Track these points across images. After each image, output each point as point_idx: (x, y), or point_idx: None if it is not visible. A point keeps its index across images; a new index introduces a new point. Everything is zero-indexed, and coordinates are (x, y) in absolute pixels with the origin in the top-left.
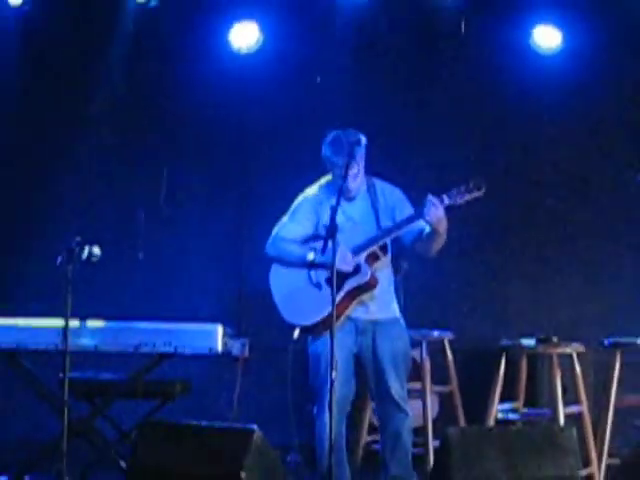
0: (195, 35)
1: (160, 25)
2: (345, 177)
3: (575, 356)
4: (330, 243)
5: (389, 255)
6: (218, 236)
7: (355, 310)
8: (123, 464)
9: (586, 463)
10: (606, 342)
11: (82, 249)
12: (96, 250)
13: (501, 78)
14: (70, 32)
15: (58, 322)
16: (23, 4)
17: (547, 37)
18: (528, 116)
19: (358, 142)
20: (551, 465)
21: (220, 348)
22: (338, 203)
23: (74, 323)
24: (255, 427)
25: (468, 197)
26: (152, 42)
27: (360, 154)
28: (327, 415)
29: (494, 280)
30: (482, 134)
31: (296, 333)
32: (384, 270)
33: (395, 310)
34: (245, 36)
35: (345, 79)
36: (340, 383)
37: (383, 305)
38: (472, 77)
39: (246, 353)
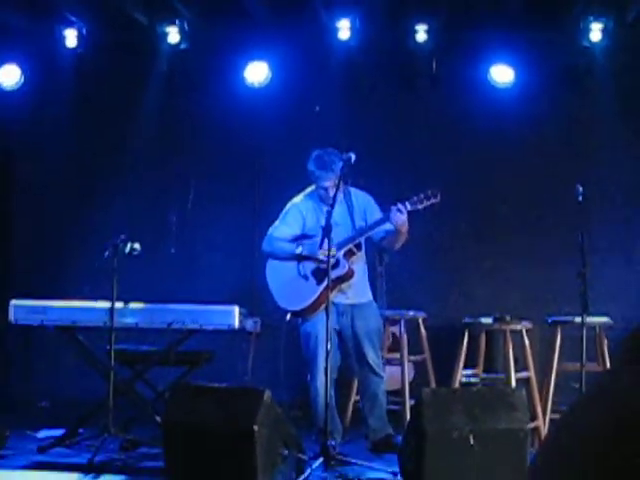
0: (217, 72)
1: (189, 64)
2: (337, 190)
3: (524, 332)
4: (326, 239)
5: (363, 251)
6: (235, 235)
7: (337, 296)
8: (158, 419)
9: (533, 418)
10: (549, 320)
11: (125, 245)
12: (137, 245)
13: (466, 107)
14: (115, 69)
15: (106, 304)
16: (77, 47)
17: (502, 74)
18: (488, 138)
19: (349, 160)
20: (505, 419)
21: (237, 325)
22: (332, 207)
23: (119, 304)
24: (265, 389)
25: (426, 203)
26: (182, 78)
27: (338, 167)
28: (319, 380)
29: (459, 271)
30: (451, 153)
31: (288, 316)
32: (359, 263)
33: (369, 295)
34: (257, 73)
35: (338, 108)
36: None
37: (359, 291)
38: (442, 106)
39: (258, 329)
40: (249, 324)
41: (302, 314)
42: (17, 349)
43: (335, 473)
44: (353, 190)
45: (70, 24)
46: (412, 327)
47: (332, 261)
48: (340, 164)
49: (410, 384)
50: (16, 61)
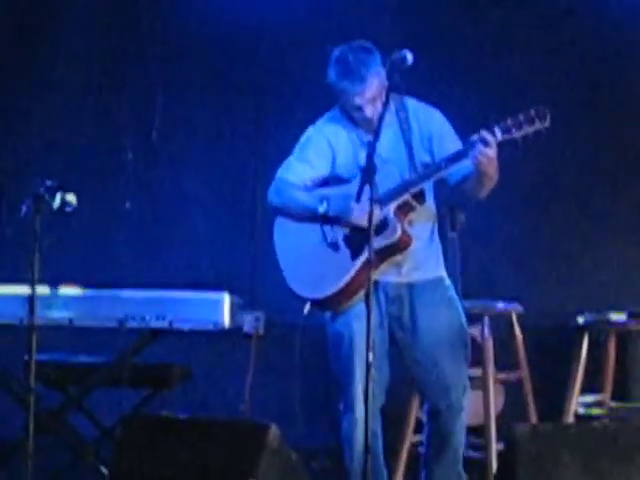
0: None
1: None
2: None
3: None
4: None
5: (429, 203)
6: (227, 180)
7: (385, 273)
8: (104, 469)
9: None
10: None
11: (53, 196)
12: (71, 198)
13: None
14: None
15: (23, 289)
16: None
17: None
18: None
19: (404, 61)
20: None
21: (228, 323)
22: (377, 138)
23: (43, 290)
24: (271, 424)
25: (528, 129)
26: None
27: (375, 70)
28: (357, 410)
29: (572, 239)
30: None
31: (307, 308)
32: (422, 223)
33: (439, 270)
34: None
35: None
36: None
37: (421, 263)
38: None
39: (261, 330)
40: (247, 322)
41: (330, 304)
42: None
43: None
44: (412, 103)
45: None
46: (501, 327)
47: (375, 222)
48: (379, 67)
49: (497, 418)
50: None
